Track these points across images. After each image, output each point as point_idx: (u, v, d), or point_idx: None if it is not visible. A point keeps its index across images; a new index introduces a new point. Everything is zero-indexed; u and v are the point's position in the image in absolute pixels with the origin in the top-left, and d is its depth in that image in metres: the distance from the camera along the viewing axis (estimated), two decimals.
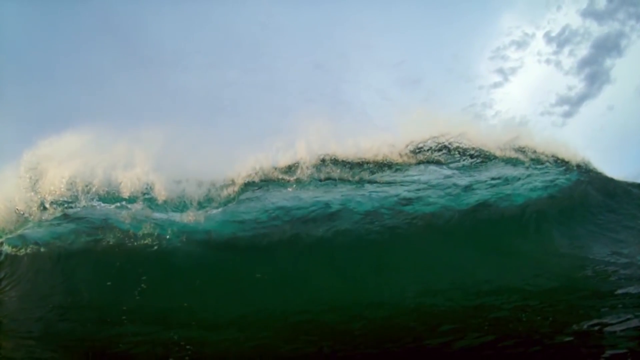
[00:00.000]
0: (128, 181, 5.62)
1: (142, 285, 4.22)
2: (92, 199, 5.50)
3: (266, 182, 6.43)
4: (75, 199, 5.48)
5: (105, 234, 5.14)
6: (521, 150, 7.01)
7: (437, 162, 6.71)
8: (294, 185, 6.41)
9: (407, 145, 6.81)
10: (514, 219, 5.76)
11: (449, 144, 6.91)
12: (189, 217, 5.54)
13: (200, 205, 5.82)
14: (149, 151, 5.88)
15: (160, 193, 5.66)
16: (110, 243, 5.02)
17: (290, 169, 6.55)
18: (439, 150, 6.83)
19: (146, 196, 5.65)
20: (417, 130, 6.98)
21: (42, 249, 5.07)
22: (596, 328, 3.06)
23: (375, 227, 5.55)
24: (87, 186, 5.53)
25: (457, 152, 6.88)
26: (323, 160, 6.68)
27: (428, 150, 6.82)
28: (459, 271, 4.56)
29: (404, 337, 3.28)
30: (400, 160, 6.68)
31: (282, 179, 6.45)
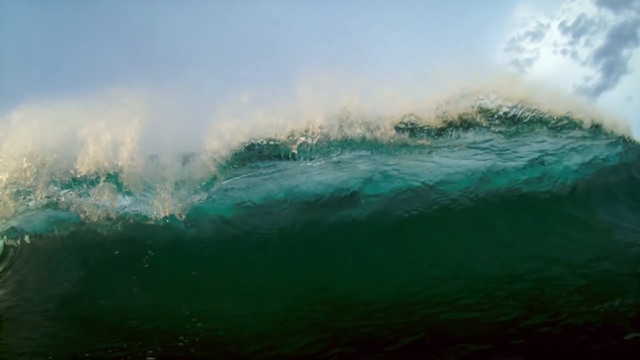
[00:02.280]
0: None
1: (151, 261, 4.21)
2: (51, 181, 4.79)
3: (266, 146, 5.56)
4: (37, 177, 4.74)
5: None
6: (566, 112, 6.19)
7: (472, 125, 5.90)
8: (301, 143, 5.57)
9: (436, 108, 5.85)
10: (551, 191, 5.43)
11: (488, 99, 5.94)
12: (189, 196, 4.95)
13: (193, 183, 5.09)
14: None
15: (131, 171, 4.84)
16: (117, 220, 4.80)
17: (293, 137, 5.58)
18: (476, 110, 5.91)
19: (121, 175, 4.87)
20: (446, 86, 5.99)
21: (41, 236, 4.95)
22: (623, 309, 3.04)
23: (399, 202, 5.28)
24: (44, 166, 4.78)
25: (493, 113, 6.02)
26: (335, 118, 5.66)
27: (461, 110, 5.90)
28: (489, 249, 4.44)
29: (423, 310, 3.30)
30: (427, 121, 5.83)
31: (287, 140, 5.55)
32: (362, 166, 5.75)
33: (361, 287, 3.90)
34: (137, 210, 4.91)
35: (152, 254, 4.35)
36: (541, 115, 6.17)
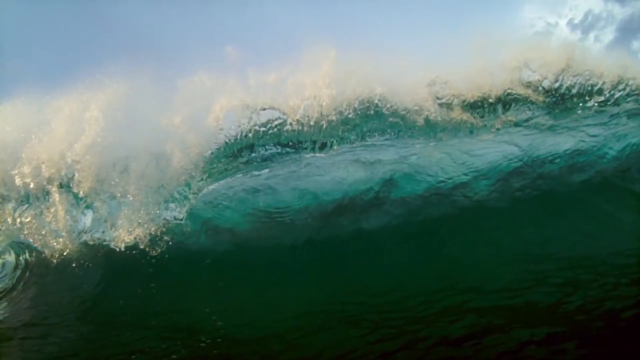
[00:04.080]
0: None
1: (168, 264, 4.18)
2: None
3: (261, 127, 4.75)
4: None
5: None
6: (621, 72, 5.38)
7: (513, 99, 5.20)
8: (306, 112, 4.75)
9: (469, 79, 5.12)
10: (596, 171, 5.01)
11: (529, 68, 5.15)
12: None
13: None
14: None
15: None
16: None
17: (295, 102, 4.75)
18: (515, 82, 5.17)
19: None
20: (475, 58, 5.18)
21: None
22: None
23: (429, 191, 4.94)
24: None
25: (537, 86, 5.26)
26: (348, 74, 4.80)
27: (497, 82, 5.15)
28: (528, 235, 4.25)
29: (453, 299, 3.25)
30: (459, 89, 5.11)
31: (286, 107, 4.70)
32: (387, 151, 5.20)
33: (388, 279, 3.84)
34: (101, 239, 4.26)
35: (167, 257, 4.29)
36: (592, 84, 5.39)
